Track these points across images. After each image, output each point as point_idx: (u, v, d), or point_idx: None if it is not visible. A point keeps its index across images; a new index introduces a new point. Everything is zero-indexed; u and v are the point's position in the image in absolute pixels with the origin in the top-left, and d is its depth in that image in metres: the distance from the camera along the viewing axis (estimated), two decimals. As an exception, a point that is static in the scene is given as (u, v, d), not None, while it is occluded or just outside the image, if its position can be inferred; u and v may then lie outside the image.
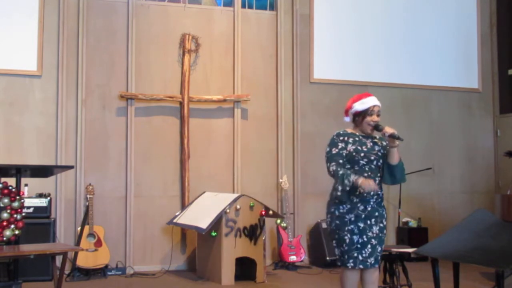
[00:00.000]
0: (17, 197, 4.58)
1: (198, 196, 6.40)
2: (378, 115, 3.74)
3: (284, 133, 7.16)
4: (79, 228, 6.15)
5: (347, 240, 3.61)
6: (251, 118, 7.07)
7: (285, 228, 6.70)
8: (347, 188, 3.56)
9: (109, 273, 6.14)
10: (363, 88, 7.56)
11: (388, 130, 3.63)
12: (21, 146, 6.31)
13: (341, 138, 3.72)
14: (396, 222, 7.47)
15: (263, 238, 5.88)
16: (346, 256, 3.61)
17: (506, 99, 8.16)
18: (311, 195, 7.21)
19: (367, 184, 3.53)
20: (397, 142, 3.61)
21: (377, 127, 3.69)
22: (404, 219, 7.47)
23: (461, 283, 4.01)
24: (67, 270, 5.82)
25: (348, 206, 3.63)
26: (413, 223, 7.41)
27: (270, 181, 7.07)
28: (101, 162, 6.54)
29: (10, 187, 4.59)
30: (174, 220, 6.17)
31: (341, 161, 3.65)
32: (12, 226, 4.52)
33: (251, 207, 5.84)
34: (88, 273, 5.99)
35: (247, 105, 7.06)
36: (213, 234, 5.71)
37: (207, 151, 6.88)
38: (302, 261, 6.69)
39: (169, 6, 6.96)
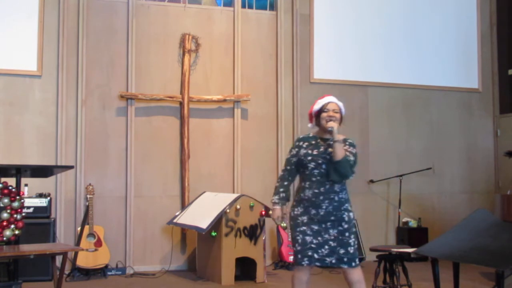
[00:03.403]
0: (17, 197, 4.58)
1: (198, 196, 6.41)
2: (336, 112, 3.77)
3: (284, 133, 7.16)
4: (79, 228, 6.15)
5: (300, 240, 3.68)
6: (251, 118, 7.08)
7: (285, 228, 6.70)
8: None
9: (109, 273, 6.14)
10: (363, 88, 7.59)
11: (329, 124, 3.68)
12: (21, 146, 6.31)
13: (297, 143, 3.83)
14: (396, 222, 7.48)
15: (263, 238, 5.88)
16: (299, 255, 3.67)
17: (506, 99, 8.16)
18: (311, 195, 7.20)
19: (273, 213, 3.82)
20: (336, 136, 3.61)
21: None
22: (404, 219, 7.47)
23: (461, 283, 4.01)
24: (67, 270, 5.82)
25: (302, 209, 3.72)
26: (413, 223, 7.42)
27: (270, 181, 7.04)
28: (101, 162, 6.54)
29: (10, 187, 4.59)
30: (174, 220, 6.17)
31: (288, 167, 3.83)
32: (12, 226, 4.52)
33: (251, 207, 5.84)
34: (88, 273, 6.00)
35: (247, 105, 7.06)
36: (213, 234, 5.71)
37: (207, 151, 6.89)
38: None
39: (169, 6, 6.96)
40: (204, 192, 6.47)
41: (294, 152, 3.81)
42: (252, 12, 7.25)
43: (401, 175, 7.40)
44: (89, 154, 6.49)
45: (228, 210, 5.68)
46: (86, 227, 6.07)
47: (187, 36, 6.84)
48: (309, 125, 3.95)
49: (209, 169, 6.90)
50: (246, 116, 7.06)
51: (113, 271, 6.22)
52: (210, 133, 6.94)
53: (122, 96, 6.59)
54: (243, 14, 7.16)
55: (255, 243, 5.80)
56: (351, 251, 3.66)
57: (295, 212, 3.74)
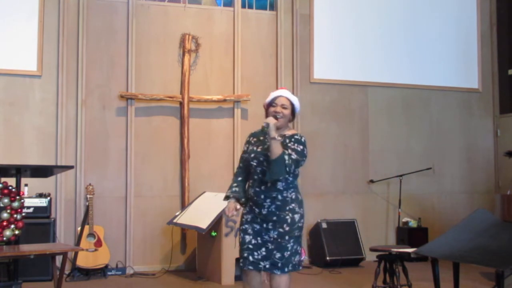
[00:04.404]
0: (17, 197, 4.58)
1: (198, 196, 6.40)
2: (285, 108, 3.55)
3: (284, 133, 7.15)
4: (79, 228, 6.15)
5: (240, 240, 3.55)
6: (251, 118, 7.07)
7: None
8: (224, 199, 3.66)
9: (109, 273, 6.14)
10: (363, 88, 7.59)
11: (265, 120, 3.46)
12: (21, 146, 6.31)
13: (248, 139, 3.70)
14: (396, 222, 7.48)
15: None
16: (240, 255, 3.53)
17: (506, 99, 8.16)
18: (311, 195, 7.19)
19: (227, 209, 3.58)
20: (272, 133, 3.35)
21: (275, 117, 3.51)
22: (404, 219, 7.47)
23: (461, 283, 4.01)
24: (67, 270, 5.82)
25: (248, 208, 3.58)
26: (413, 223, 7.41)
27: (270, 181, 7.06)
28: (101, 162, 6.54)
29: (10, 187, 4.59)
30: (174, 220, 6.17)
31: (241, 164, 3.70)
32: (12, 226, 4.52)
33: (251, 207, 5.83)
34: (88, 273, 6.00)
35: (247, 105, 7.06)
36: (213, 234, 5.71)
37: (207, 151, 6.88)
38: (302, 261, 6.68)
39: (169, 6, 6.96)
40: (204, 192, 6.46)
41: (245, 148, 3.67)
42: (252, 12, 7.25)
43: (401, 175, 7.40)
44: (89, 154, 6.49)
45: (228, 210, 5.67)
46: (86, 227, 6.07)
47: (187, 36, 6.84)
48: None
49: (209, 169, 6.89)
50: (246, 116, 7.06)
51: (113, 271, 6.22)
52: (210, 133, 6.94)
53: (122, 96, 6.59)
54: (243, 14, 7.16)
55: (255, 243, 5.78)
56: (286, 256, 3.46)
57: (244, 211, 3.62)
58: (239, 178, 3.65)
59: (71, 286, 5.63)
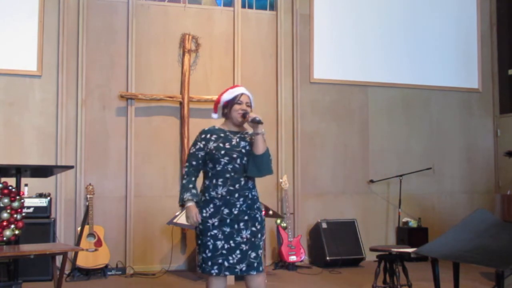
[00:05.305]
0: (17, 197, 4.58)
1: (198, 196, 6.40)
2: (248, 106, 3.51)
3: (284, 133, 7.16)
4: (79, 228, 6.15)
5: (210, 246, 3.36)
6: (251, 118, 7.06)
7: (285, 228, 6.70)
8: (181, 203, 3.41)
9: (109, 273, 6.14)
10: (363, 88, 7.59)
11: (252, 115, 3.42)
12: (21, 146, 6.31)
13: (203, 135, 3.49)
14: (396, 222, 7.48)
15: (263, 238, 5.86)
16: (209, 263, 3.35)
17: (506, 99, 8.16)
18: (311, 195, 7.21)
19: (190, 214, 3.36)
20: (260, 128, 3.36)
21: (245, 115, 3.47)
22: (404, 219, 7.47)
23: (461, 283, 4.00)
24: (67, 270, 5.83)
25: (212, 209, 3.39)
26: (413, 223, 7.42)
27: (270, 181, 7.07)
28: (101, 162, 6.54)
29: (10, 187, 4.58)
30: (174, 220, 6.16)
31: (194, 162, 3.46)
32: (12, 226, 4.52)
33: (251, 207, 5.82)
34: (88, 273, 6.00)
35: (247, 105, 7.05)
36: (213, 234, 5.70)
37: (207, 151, 6.88)
38: (302, 261, 6.70)
39: (169, 6, 6.96)
40: (204, 192, 6.46)
41: (201, 145, 3.46)
42: (252, 12, 7.25)
43: (401, 175, 7.40)
44: (89, 154, 6.49)
45: (228, 210, 5.67)
46: (86, 227, 6.07)
47: (187, 36, 6.84)
48: (214, 115, 3.68)
49: (209, 169, 6.88)
50: (246, 116, 7.05)
51: (113, 271, 6.22)
52: (210, 133, 6.92)
53: (122, 96, 6.59)
54: (243, 14, 7.16)
55: (255, 243, 5.78)
56: (260, 254, 3.44)
57: (204, 214, 3.39)
58: (193, 179, 3.46)
59: (71, 286, 5.63)
